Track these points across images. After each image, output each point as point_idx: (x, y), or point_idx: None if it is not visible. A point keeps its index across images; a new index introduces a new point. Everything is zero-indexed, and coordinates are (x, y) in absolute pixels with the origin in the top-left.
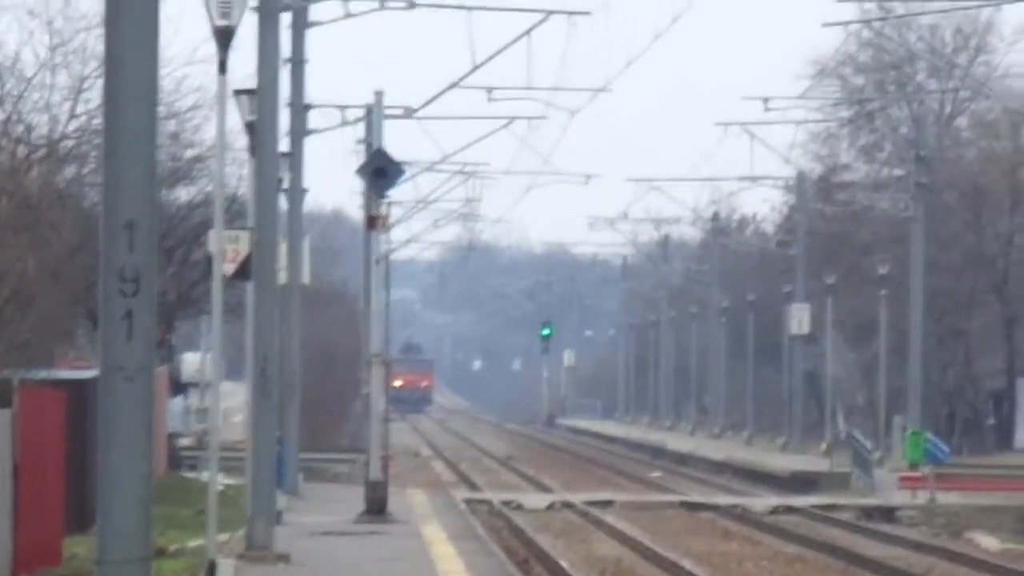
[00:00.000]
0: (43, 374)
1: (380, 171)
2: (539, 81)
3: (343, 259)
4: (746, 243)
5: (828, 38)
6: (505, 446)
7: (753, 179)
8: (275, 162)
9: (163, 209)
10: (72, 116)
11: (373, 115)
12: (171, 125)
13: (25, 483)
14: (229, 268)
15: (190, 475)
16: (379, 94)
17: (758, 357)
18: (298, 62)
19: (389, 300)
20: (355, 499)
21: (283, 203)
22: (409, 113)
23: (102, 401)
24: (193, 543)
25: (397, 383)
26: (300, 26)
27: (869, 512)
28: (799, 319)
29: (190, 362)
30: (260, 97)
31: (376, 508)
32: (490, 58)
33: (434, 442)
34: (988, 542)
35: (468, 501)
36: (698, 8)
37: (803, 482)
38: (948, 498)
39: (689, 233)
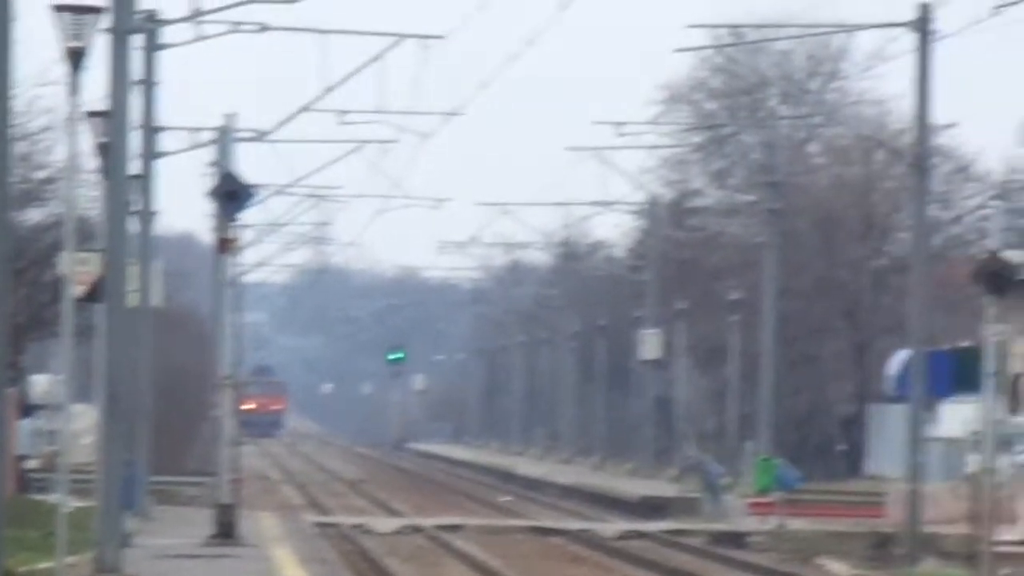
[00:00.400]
0: None
1: (231, 194)
2: (391, 105)
3: (194, 282)
4: (597, 268)
5: (680, 64)
6: (355, 470)
7: (605, 204)
8: (126, 184)
9: (13, 230)
10: None
11: (224, 138)
12: (22, 146)
13: None
14: (80, 290)
15: (39, 497)
16: (230, 117)
17: (608, 382)
18: (149, 84)
19: (240, 323)
20: (205, 522)
21: (134, 225)
22: (260, 136)
23: None
24: (43, 565)
25: (248, 406)
26: (151, 48)
27: (718, 537)
28: (649, 344)
29: (40, 384)
30: (111, 119)
31: (226, 531)
32: (342, 81)
33: (284, 465)
34: (837, 568)
35: (318, 525)
36: (551, 33)
37: (653, 507)
38: (797, 524)
39: (540, 258)
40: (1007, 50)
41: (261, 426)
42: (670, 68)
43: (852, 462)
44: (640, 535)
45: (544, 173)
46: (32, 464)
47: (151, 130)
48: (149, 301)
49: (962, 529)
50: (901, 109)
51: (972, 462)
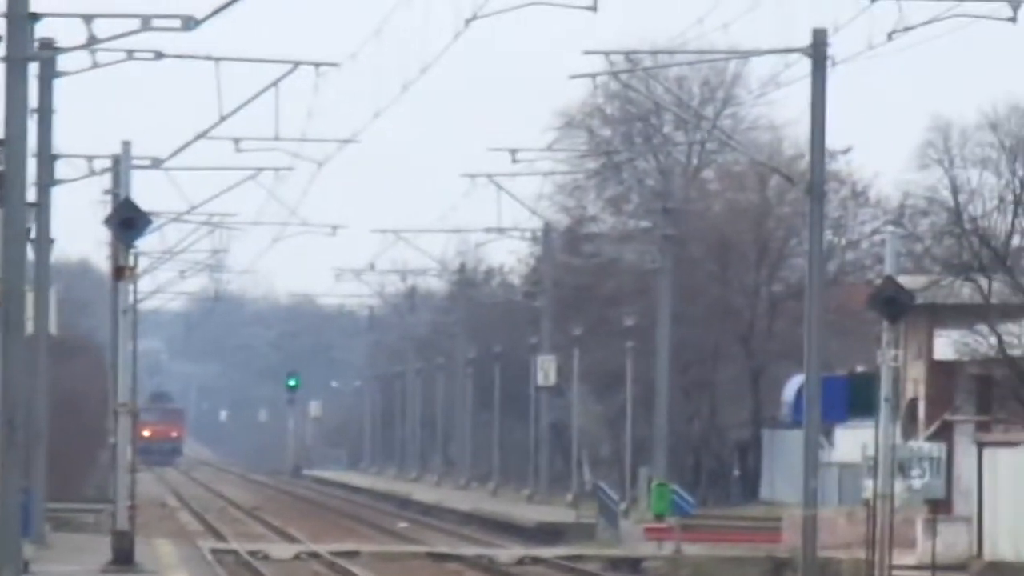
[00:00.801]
0: None
1: (127, 221)
2: (287, 132)
3: (90, 310)
4: (493, 294)
5: (575, 90)
6: (252, 497)
7: (500, 230)
8: (23, 212)
9: None
10: None
11: (121, 165)
12: None
13: None
14: None
15: None
16: (127, 144)
17: (504, 408)
18: (45, 112)
19: (136, 350)
20: (102, 549)
21: (30, 253)
22: (157, 164)
23: None
24: None
25: (145, 433)
26: (48, 76)
27: (615, 563)
28: (545, 370)
29: None
30: (8, 147)
31: (123, 558)
32: (237, 109)
33: (181, 492)
34: None
35: (215, 551)
36: (447, 59)
37: (549, 533)
38: (693, 549)
39: (436, 284)
40: (901, 76)
41: (159, 454)
42: (566, 95)
43: (748, 487)
44: (537, 561)
45: (439, 200)
46: None
47: (48, 158)
48: (45, 329)
49: (858, 554)
50: (796, 135)
51: (868, 487)
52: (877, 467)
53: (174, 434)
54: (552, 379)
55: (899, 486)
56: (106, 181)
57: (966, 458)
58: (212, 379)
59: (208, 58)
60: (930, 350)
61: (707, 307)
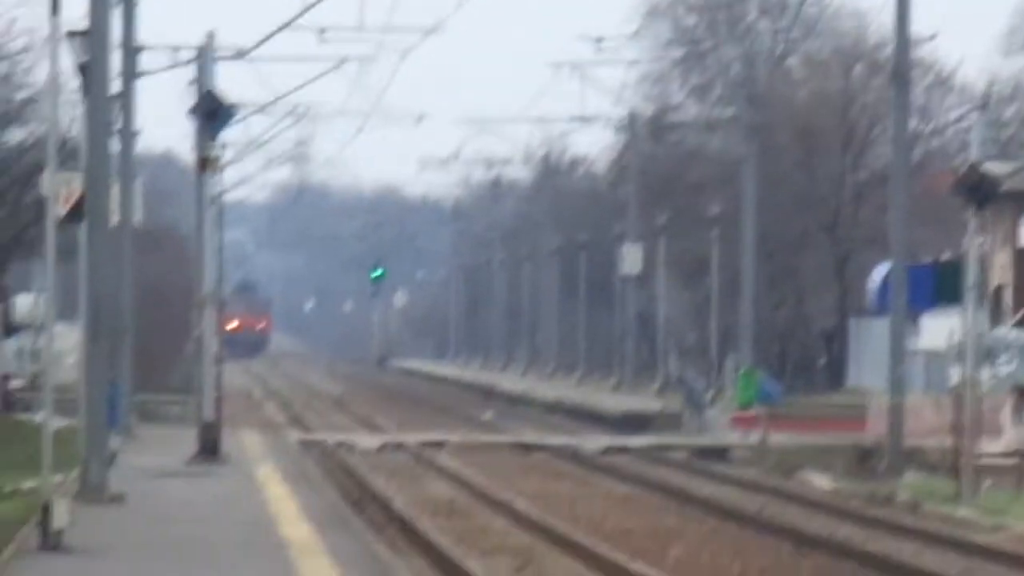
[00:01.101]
0: None
1: (212, 113)
2: (371, 21)
3: (175, 200)
4: (578, 184)
5: None
6: (338, 387)
7: (585, 120)
8: (107, 104)
9: None
10: None
11: (205, 56)
12: (2, 67)
13: None
14: (62, 210)
15: (24, 417)
16: (211, 35)
17: (590, 298)
18: (130, 3)
19: (221, 241)
20: (188, 440)
21: (115, 145)
22: (241, 54)
23: None
24: (28, 484)
25: (232, 325)
26: None
27: (701, 452)
28: (631, 259)
29: (23, 304)
30: (92, 38)
31: (209, 449)
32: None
33: (267, 383)
34: (820, 481)
35: (301, 442)
36: None
37: (635, 422)
38: (780, 438)
39: (521, 174)
40: None
41: (246, 346)
42: None
43: (834, 376)
44: (623, 450)
45: (524, 89)
46: (16, 384)
47: (132, 49)
48: (130, 220)
49: (944, 441)
50: (881, 21)
51: (954, 374)
52: (964, 354)
53: (261, 326)
54: (638, 268)
55: (986, 373)
56: (190, 72)
57: None
58: (297, 270)
59: None
60: (1015, 237)
61: (792, 195)
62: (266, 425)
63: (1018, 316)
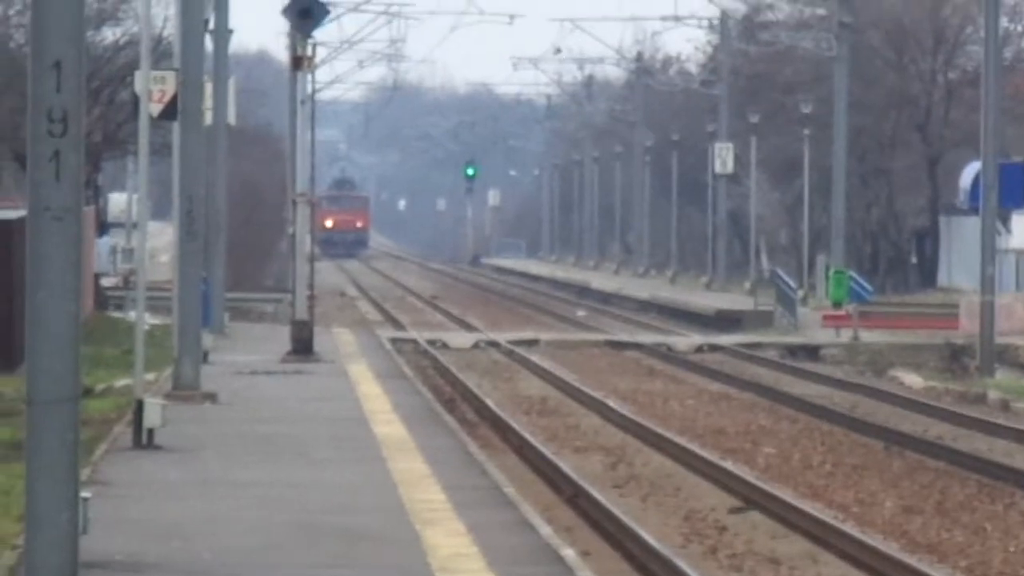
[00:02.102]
0: None
1: (305, 11)
2: None
3: (268, 100)
4: (670, 83)
5: None
6: (430, 285)
7: (677, 19)
8: (200, 2)
9: (89, 50)
10: None
11: None
12: None
13: None
14: (155, 108)
15: (116, 315)
16: None
17: (682, 196)
18: None
19: (315, 140)
20: (281, 338)
21: (208, 44)
22: None
23: (30, 241)
24: (120, 383)
25: (328, 223)
26: None
27: (793, 350)
28: (723, 158)
29: (116, 202)
30: None
31: (302, 347)
32: None
33: (359, 281)
34: (911, 380)
35: (394, 340)
36: None
37: (727, 321)
38: (871, 336)
39: (613, 73)
40: None
41: (344, 245)
42: None
43: (925, 274)
44: (715, 348)
45: None
46: (109, 282)
47: None
48: (224, 119)
49: None
50: None
51: None
52: None
53: (359, 224)
54: (730, 167)
55: None
56: None
57: None
58: (391, 168)
59: None
60: None
61: (884, 94)
62: (359, 323)
63: None
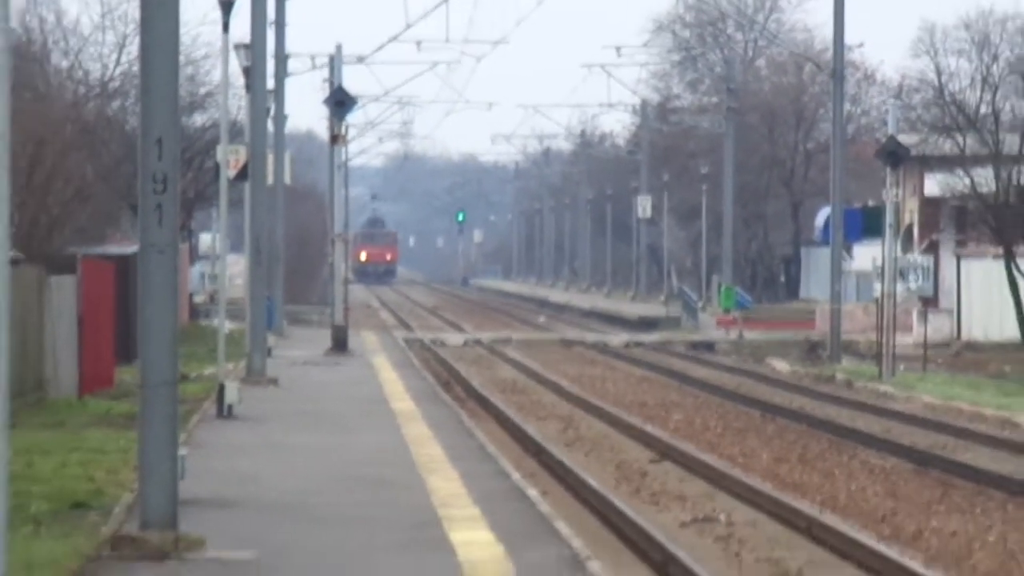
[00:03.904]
0: (98, 250)
1: (340, 102)
2: (454, 35)
3: (314, 166)
4: (605, 152)
5: (663, 3)
6: (432, 300)
7: (610, 105)
8: (264, 96)
9: (183, 130)
10: (117, 64)
11: (335, 61)
12: (189, 69)
13: (87, 329)
14: (232, 172)
15: (204, 322)
16: (338, 47)
17: (614, 234)
18: (280, 23)
19: (347, 195)
20: (324, 339)
21: (270, 125)
22: (361, 60)
23: (141, 269)
24: (208, 371)
25: (363, 256)
26: None
27: (695, 345)
28: (643, 206)
29: (204, 240)
30: (252, 49)
31: (339, 345)
32: (420, 19)
33: (381, 298)
34: (781, 366)
35: (406, 340)
36: None
37: (647, 324)
38: (752, 334)
39: (564, 145)
40: None
41: (375, 275)
42: (656, 6)
43: (790, 289)
44: (639, 344)
45: (565, 83)
46: (199, 298)
47: (282, 57)
48: (281, 179)
49: (870, 337)
50: (823, 34)
51: (877, 288)
52: (884, 273)
53: (388, 257)
54: (649, 213)
55: (900, 287)
56: (324, 73)
57: (948, 267)
58: (403, 215)
59: None
60: (922, 188)
61: (759, 159)
62: (380, 327)
63: (923, 246)
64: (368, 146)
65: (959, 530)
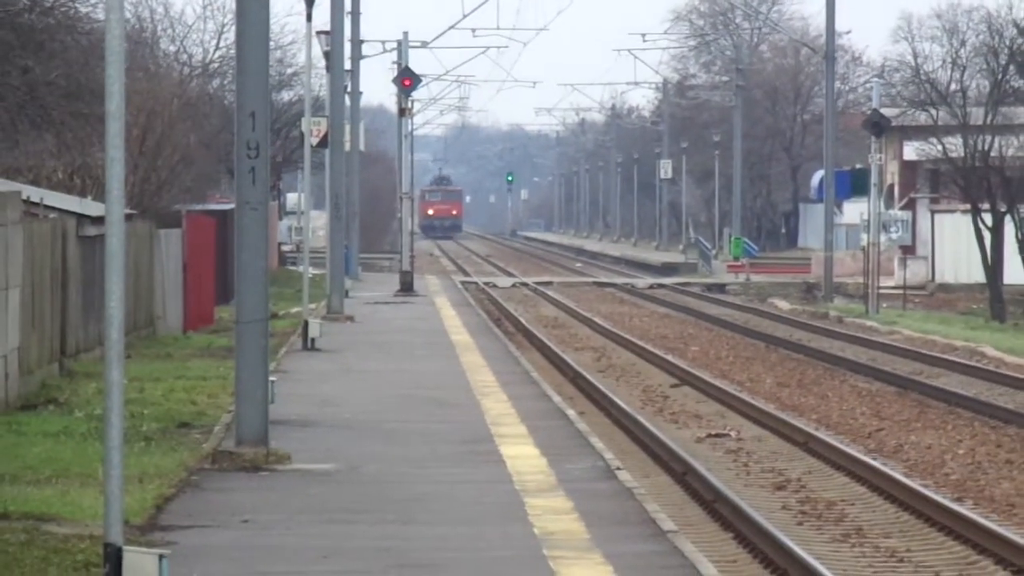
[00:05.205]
0: (200, 207)
1: (407, 80)
2: (504, 23)
3: (385, 135)
4: (632, 123)
5: None
6: (485, 249)
7: (636, 83)
8: (342, 75)
9: (273, 104)
10: (216, 48)
11: (402, 46)
12: (277, 53)
13: (191, 274)
14: (314, 140)
15: (291, 268)
16: (405, 33)
17: (640, 192)
18: (356, 13)
19: (412, 159)
20: (393, 282)
21: (347, 100)
22: (424, 44)
23: (237, 223)
24: (294, 310)
25: (430, 212)
26: None
27: (709, 287)
28: (665, 169)
29: (291, 199)
30: (332, 36)
31: (406, 287)
32: (474, 9)
33: (442, 247)
34: (782, 304)
35: (463, 283)
36: None
37: (668, 269)
38: (757, 278)
39: (598, 117)
40: None
41: (442, 229)
42: None
43: (790, 239)
44: (661, 286)
45: (599, 63)
46: (287, 248)
47: (357, 42)
48: (357, 146)
49: (858, 280)
50: (818, 22)
51: (863, 238)
52: (869, 226)
53: (454, 212)
54: (669, 174)
55: (883, 237)
56: (393, 56)
57: (924, 220)
58: (461, 177)
59: None
60: (901, 154)
61: (763, 129)
62: (442, 272)
63: (902, 203)
64: (431, 118)
65: (933, 444)
